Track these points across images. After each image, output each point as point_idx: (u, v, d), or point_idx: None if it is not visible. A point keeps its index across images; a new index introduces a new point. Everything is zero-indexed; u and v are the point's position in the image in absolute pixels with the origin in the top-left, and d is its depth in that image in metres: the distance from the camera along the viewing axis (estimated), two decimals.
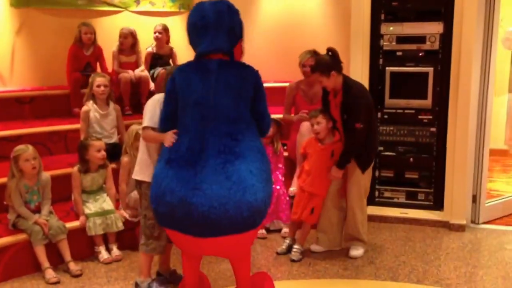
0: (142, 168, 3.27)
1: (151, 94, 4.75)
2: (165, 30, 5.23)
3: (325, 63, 3.66)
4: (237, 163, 2.69)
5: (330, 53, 3.70)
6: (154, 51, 5.28)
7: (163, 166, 2.76)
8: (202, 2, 2.86)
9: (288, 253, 3.92)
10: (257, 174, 2.73)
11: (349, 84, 3.71)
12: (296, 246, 3.90)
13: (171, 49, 5.33)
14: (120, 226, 3.92)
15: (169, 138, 2.83)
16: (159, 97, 3.11)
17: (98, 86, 4.28)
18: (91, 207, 3.92)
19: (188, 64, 2.90)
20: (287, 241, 4.01)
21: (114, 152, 4.22)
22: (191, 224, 2.67)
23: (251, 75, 2.86)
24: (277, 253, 3.95)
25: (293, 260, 3.83)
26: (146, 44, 5.34)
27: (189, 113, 2.79)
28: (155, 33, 5.22)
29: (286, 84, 4.80)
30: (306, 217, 3.86)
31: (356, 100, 3.65)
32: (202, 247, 2.81)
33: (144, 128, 3.13)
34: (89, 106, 4.31)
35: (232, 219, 2.64)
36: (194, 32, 2.85)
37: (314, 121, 3.81)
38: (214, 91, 2.77)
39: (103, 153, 3.93)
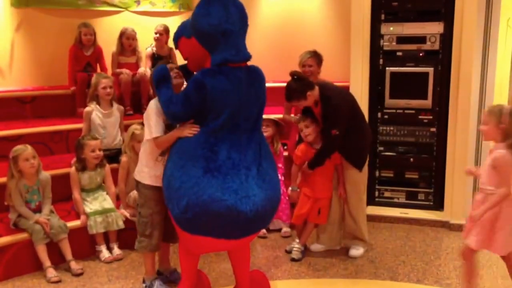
0: (138, 168, 3.30)
1: (151, 96, 4.74)
2: (165, 31, 5.23)
3: (296, 88, 3.62)
4: (264, 164, 2.90)
5: (295, 77, 3.66)
6: (154, 51, 5.28)
7: (201, 175, 2.74)
8: (223, 2, 2.78)
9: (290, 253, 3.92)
10: (275, 170, 3.02)
11: (325, 94, 3.64)
12: (296, 246, 3.91)
13: (171, 49, 5.33)
14: (121, 224, 3.93)
15: (189, 130, 2.86)
16: (154, 105, 3.09)
17: (104, 88, 4.28)
18: (91, 206, 3.93)
19: (219, 71, 2.80)
20: (297, 245, 3.95)
21: (118, 155, 4.26)
22: (233, 229, 2.76)
23: (264, 80, 3.00)
24: (293, 260, 3.87)
25: (293, 259, 3.84)
26: (146, 44, 5.35)
27: (222, 121, 2.80)
28: (156, 33, 5.22)
29: (285, 84, 4.79)
30: (314, 219, 3.87)
31: (335, 108, 3.61)
32: (226, 247, 2.95)
33: (156, 138, 3.06)
34: (92, 107, 4.32)
35: (268, 218, 2.94)
36: (216, 36, 2.78)
37: (302, 124, 3.77)
38: (246, 101, 2.85)
39: (98, 153, 3.95)
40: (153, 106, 3.10)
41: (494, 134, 2.89)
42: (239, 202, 2.70)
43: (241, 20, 2.85)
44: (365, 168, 3.91)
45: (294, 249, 3.90)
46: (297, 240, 3.96)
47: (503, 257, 3.05)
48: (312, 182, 3.81)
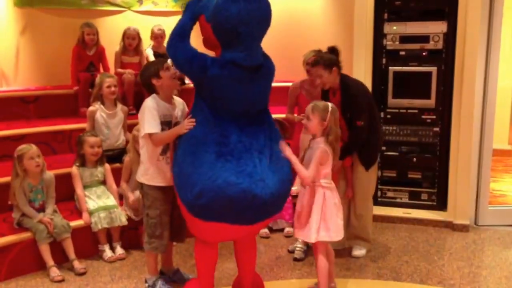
0: (141, 170, 3.29)
1: None
2: (164, 31, 5.23)
3: (329, 58, 3.67)
4: (275, 147, 2.90)
5: (332, 49, 3.72)
6: (154, 50, 5.27)
7: (214, 159, 2.72)
8: (249, 2, 2.71)
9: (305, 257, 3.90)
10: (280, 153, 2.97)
11: (346, 82, 3.70)
12: (299, 245, 3.90)
13: None
14: (124, 221, 3.93)
15: (187, 124, 2.89)
16: (152, 102, 3.13)
17: (109, 86, 4.28)
18: (94, 202, 3.94)
19: (225, 67, 2.78)
20: (300, 245, 3.95)
21: (121, 155, 4.27)
22: (248, 214, 2.74)
23: (273, 73, 3.01)
24: (294, 259, 3.88)
25: (296, 259, 3.83)
26: (148, 44, 5.34)
27: (228, 109, 2.82)
28: (156, 31, 5.20)
29: (289, 84, 4.78)
30: None
31: (355, 98, 3.65)
32: (239, 233, 2.92)
33: (151, 135, 3.09)
34: (96, 107, 4.32)
35: (281, 202, 2.92)
36: (231, 35, 2.75)
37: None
38: (251, 95, 2.86)
39: (96, 149, 3.97)
40: (148, 102, 3.13)
41: (316, 129, 3.12)
42: (254, 186, 2.68)
43: (261, 24, 2.81)
44: (375, 168, 3.90)
45: (297, 248, 3.89)
46: (300, 240, 3.95)
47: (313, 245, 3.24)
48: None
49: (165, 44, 5.28)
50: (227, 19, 2.71)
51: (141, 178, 3.28)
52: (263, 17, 2.81)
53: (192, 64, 2.84)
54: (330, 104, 3.15)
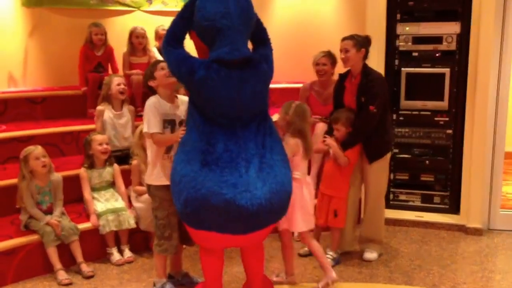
0: (148, 171, 3.30)
1: None
2: None
3: (362, 38, 3.72)
4: (269, 156, 2.78)
5: (366, 37, 3.77)
6: (158, 50, 5.24)
7: (198, 169, 2.67)
8: None
9: (310, 255, 3.84)
10: (286, 161, 2.90)
11: (370, 69, 3.75)
12: (329, 252, 3.82)
13: None
14: (132, 223, 3.90)
15: (180, 133, 2.93)
16: (153, 101, 3.17)
17: (118, 84, 4.27)
18: (102, 205, 3.91)
19: (211, 67, 2.71)
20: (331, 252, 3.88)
21: (129, 156, 4.25)
22: (235, 224, 2.68)
23: (265, 74, 2.88)
24: (299, 254, 3.89)
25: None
26: (153, 44, 5.31)
27: (215, 115, 2.76)
28: (160, 31, 5.16)
29: (299, 85, 4.74)
30: (331, 222, 3.79)
31: (375, 83, 3.66)
32: (236, 242, 2.87)
33: (153, 134, 3.13)
34: (104, 107, 4.31)
35: (275, 212, 2.80)
36: (211, 32, 2.71)
37: (334, 126, 3.76)
38: (239, 98, 2.76)
39: (105, 146, 3.96)
40: (149, 102, 3.17)
41: (282, 125, 3.38)
42: (239, 196, 2.60)
43: (240, 16, 2.72)
44: (386, 168, 3.88)
45: (328, 256, 3.77)
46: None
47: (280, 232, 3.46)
48: (329, 178, 3.76)
49: None
50: (204, 17, 2.71)
51: (148, 179, 3.29)
52: (242, 8, 2.74)
53: (180, 67, 2.80)
54: (296, 102, 3.43)
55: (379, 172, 3.83)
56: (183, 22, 2.86)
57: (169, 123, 3.18)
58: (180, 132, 2.96)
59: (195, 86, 2.77)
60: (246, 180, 2.65)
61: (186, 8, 2.86)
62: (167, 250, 3.26)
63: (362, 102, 3.65)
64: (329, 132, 3.86)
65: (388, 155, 3.87)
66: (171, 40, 2.86)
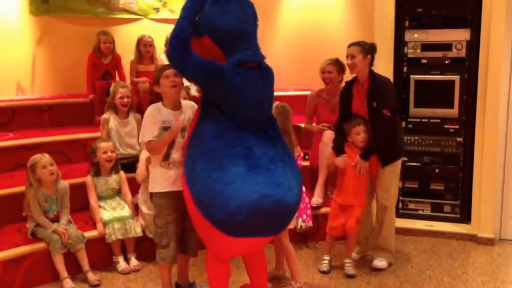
0: (150, 179, 3.28)
1: None
2: None
3: (369, 45, 3.71)
4: (286, 156, 2.88)
5: (373, 45, 3.76)
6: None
7: (245, 174, 2.65)
8: (240, 0, 2.78)
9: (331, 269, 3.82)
10: (294, 159, 3.02)
11: (377, 75, 3.73)
12: (347, 260, 3.77)
13: None
14: (139, 232, 3.87)
15: (177, 125, 2.99)
16: (152, 109, 3.16)
17: (121, 97, 4.28)
18: (109, 213, 3.89)
19: (238, 72, 2.75)
20: (327, 258, 3.85)
21: (135, 164, 4.19)
22: (279, 224, 2.76)
23: (273, 78, 2.99)
24: (321, 272, 3.78)
25: (349, 276, 3.70)
26: (162, 51, 5.31)
27: (245, 119, 2.81)
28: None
29: (307, 93, 4.72)
30: (353, 230, 3.73)
31: (385, 87, 3.65)
32: (261, 245, 2.93)
33: (147, 143, 3.10)
34: (109, 115, 4.31)
35: (296, 210, 2.90)
36: (234, 36, 2.76)
37: (356, 130, 3.70)
38: (262, 100, 2.87)
39: (110, 154, 3.94)
40: (148, 110, 3.17)
41: None
42: (287, 195, 2.67)
43: (254, 21, 2.88)
44: (397, 173, 3.84)
45: (347, 265, 3.75)
46: (327, 258, 3.84)
47: None
48: (352, 189, 3.71)
49: None
50: (226, 21, 2.73)
51: (150, 187, 3.28)
52: (254, 13, 2.88)
53: (206, 73, 2.77)
54: (279, 103, 3.48)
55: (391, 177, 3.78)
56: (191, 28, 2.84)
57: (167, 130, 3.11)
58: (179, 123, 2.99)
59: (224, 90, 2.77)
60: (287, 178, 2.74)
61: (192, 13, 2.85)
62: (164, 259, 3.22)
63: (374, 108, 3.61)
64: (340, 139, 3.82)
65: (399, 162, 3.83)
66: (183, 47, 2.81)
